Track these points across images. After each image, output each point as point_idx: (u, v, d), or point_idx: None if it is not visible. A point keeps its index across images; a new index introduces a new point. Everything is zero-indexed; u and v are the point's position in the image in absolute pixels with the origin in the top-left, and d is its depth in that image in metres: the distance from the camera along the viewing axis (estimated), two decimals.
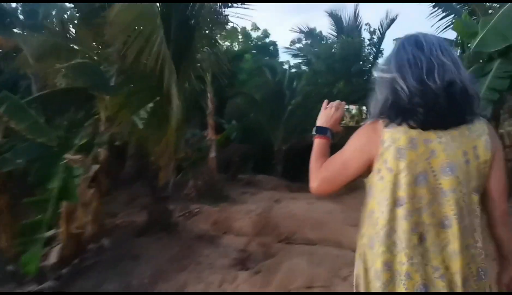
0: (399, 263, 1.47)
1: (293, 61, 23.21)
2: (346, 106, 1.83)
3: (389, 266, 1.48)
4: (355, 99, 15.13)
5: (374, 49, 15.19)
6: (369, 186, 1.62)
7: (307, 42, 20.62)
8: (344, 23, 18.46)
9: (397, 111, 1.49)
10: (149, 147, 6.95)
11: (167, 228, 7.52)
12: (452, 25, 10.01)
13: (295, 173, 25.82)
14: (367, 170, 1.59)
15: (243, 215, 10.01)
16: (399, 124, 1.49)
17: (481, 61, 8.19)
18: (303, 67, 22.24)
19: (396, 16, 16.47)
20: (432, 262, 1.44)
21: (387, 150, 1.49)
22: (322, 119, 1.84)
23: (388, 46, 15.49)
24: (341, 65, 14.45)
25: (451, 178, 1.43)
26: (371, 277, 1.54)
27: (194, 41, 7.47)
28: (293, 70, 24.84)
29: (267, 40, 26.20)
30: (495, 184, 1.52)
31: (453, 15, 10.37)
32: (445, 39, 2.17)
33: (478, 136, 1.46)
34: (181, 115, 6.90)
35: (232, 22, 7.72)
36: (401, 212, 1.48)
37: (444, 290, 1.43)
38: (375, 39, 15.13)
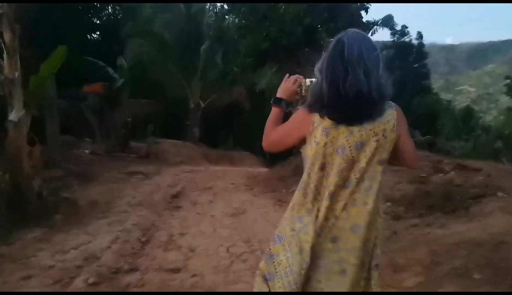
0: (318, 209, 1.64)
1: None
2: (303, 80, 1.84)
3: (309, 212, 1.65)
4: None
5: None
6: (303, 156, 1.74)
7: None
8: None
9: (320, 108, 1.62)
10: None
11: None
12: None
13: (216, 136, 18.94)
14: (302, 142, 1.72)
15: None
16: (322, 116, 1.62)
17: None
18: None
19: None
20: (336, 212, 1.62)
21: (316, 129, 1.63)
22: (280, 91, 1.88)
23: None
24: None
25: (360, 152, 1.60)
26: (295, 218, 1.68)
27: None
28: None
29: None
30: (403, 145, 1.71)
31: None
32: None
33: (388, 121, 1.62)
34: None
35: None
36: (321, 174, 1.64)
37: (347, 229, 1.62)
38: None
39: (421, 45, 20.91)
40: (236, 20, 11.33)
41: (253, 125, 16.62)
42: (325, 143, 1.61)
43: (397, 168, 7.52)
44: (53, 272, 3.56)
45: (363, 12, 8.94)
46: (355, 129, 1.58)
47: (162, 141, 13.45)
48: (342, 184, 1.62)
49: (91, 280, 3.40)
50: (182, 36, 15.16)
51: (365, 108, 1.58)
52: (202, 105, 16.30)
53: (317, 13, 7.84)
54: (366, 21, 10.11)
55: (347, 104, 1.55)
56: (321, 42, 7.70)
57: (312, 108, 1.64)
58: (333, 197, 1.62)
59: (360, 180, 1.62)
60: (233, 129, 18.75)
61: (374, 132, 1.61)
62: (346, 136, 1.60)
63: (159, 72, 15.26)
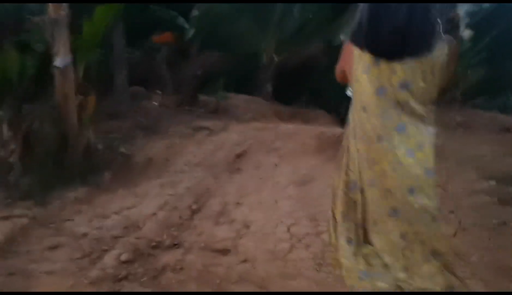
0: (362, 149, 1.52)
1: None
2: None
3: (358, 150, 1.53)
4: None
5: None
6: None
7: None
8: None
9: (360, 40, 1.48)
10: None
11: None
12: None
13: (289, 93, 18.00)
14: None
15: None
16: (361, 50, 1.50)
17: None
18: None
19: None
20: (400, 159, 1.43)
21: (357, 65, 1.50)
22: None
23: None
24: None
25: (406, 92, 1.43)
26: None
27: None
28: None
29: None
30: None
31: None
32: None
33: (437, 58, 1.43)
34: None
35: None
36: (364, 115, 1.50)
37: (420, 174, 1.43)
38: None
39: None
40: None
41: (329, 82, 15.41)
42: (365, 82, 1.49)
43: (501, 137, 6.23)
44: (85, 242, 3.06)
45: None
46: (398, 67, 1.43)
47: (233, 96, 12.85)
48: (392, 126, 1.46)
49: (124, 257, 2.85)
50: None
51: (406, 43, 1.41)
52: (276, 60, 15.35)
53: None
54: None
55: (386, 36, 1.41)
56: None
57: (353, 40, 1.53)
58: (384, 140, 1.47)
59: (414, 123, 1.45)
60: (307, 86, 17.74)
61: (421, 70, 1.43)
62: (388, 75, 1.46)
63: (232, 24, 14.48)
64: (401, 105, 1.45)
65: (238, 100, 12.98)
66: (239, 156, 6.61)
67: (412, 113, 1.44)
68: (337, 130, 10.74)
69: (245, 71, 15.51)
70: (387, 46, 1.43)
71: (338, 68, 1.71)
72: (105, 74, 9.33)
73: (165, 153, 6.20)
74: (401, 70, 1.43)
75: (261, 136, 8.83)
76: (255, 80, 15.45)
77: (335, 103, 16.58)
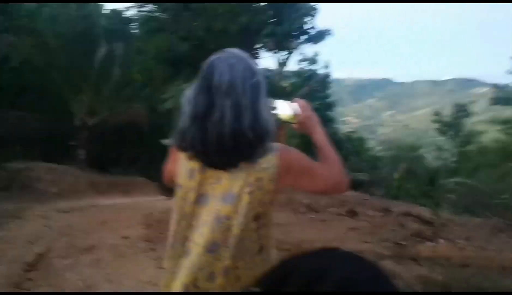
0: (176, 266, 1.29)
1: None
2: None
3: (172, 268, 1.31)
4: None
5: None
6: None
7: None
8: None
9: (185, 146, 1.29)
10: None
11: None
12: None
13: (107, 160, 15.74)
14: None
15: None
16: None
17: None
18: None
19: None
20: (198, 282, 1.22)
21: (181, 167, 1.31)
22: None
23: None
24: None
25: (229, 206, 1.23)
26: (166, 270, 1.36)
27: None
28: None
29: None
30: (308, 187, 1.32)
31: None
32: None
33: (265, 169, 1.25)
34: None
35: None
36: (186, 227, 1.28)
37: None
38: None
39: (327, 75, 20.11)
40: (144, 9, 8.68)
41: (150, 148, 13.86)
42: (189, 189, 1.28)
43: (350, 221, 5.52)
44: None
45: (309, 18, 7.08)
46: (224, 176, 1.25)
47: (34, 166, 10.23)
48: (207, 245, 1.23)
49: None
50: (71, 39, 12.10)
51: (233, 151, 1.22)
52: (90, 122, 13.22)
53: (259, 11, 5.63)
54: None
55: (211, 145, 1.22)
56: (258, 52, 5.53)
57: (178, 144, 1.33)
58: (199, 260, 1.24)
59: (228, 242, 1.22)
60: (126, 151, 15.83)
61: (247, 182, 1.24)
62: (213, 184, 1.27)
63: (36, 80, 12.01)
64: (223, 221, 1.21)
65: (42, 170, 10.33)
66: (32, 267, 4.47)
67: (234, 231, 1.20)
68: (162, 203, 9.19)
69: (54, 135, 12.89)
70: (212, 156, 1.22)
71: (165, 169, 1.46)
72: None
73: None
74: (227, 179, 1.23)
75: (69, 224, 6.65)
76: (66, 146, 12.94)
77: (156, 169, 15.13)
